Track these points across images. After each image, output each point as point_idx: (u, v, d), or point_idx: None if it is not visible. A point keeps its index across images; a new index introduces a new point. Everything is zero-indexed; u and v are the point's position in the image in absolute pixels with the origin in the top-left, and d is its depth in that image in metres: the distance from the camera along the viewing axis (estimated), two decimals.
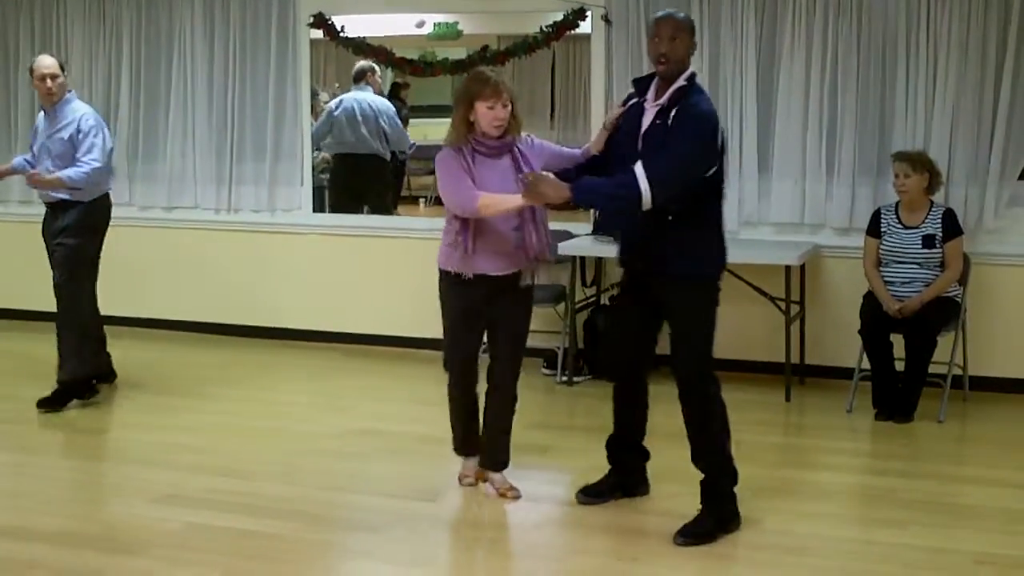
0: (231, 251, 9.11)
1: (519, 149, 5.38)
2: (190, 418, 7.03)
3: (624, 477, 5.54)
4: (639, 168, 4.84)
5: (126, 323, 9.07)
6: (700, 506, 5.15)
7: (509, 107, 5.28)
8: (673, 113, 4.97)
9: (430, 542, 5.15)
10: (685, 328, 5.12)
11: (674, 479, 5.49)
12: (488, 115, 5.24)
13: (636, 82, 5.32)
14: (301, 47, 8.79)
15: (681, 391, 5.13)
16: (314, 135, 9.13)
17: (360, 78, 9.49)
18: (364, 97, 9.46)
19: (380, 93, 9.68)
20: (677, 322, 5.13)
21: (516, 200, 5.12)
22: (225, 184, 9.06)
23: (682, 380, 5.11)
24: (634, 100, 5.23)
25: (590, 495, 5.49)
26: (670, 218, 4.98)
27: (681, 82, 5.04)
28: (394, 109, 9.60)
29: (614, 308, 5.83)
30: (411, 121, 10.23)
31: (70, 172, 6.99)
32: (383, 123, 9.46)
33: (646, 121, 5.07)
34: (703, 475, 5.17)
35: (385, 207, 9.63)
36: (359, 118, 9.42)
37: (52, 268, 7.17)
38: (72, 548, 5.02)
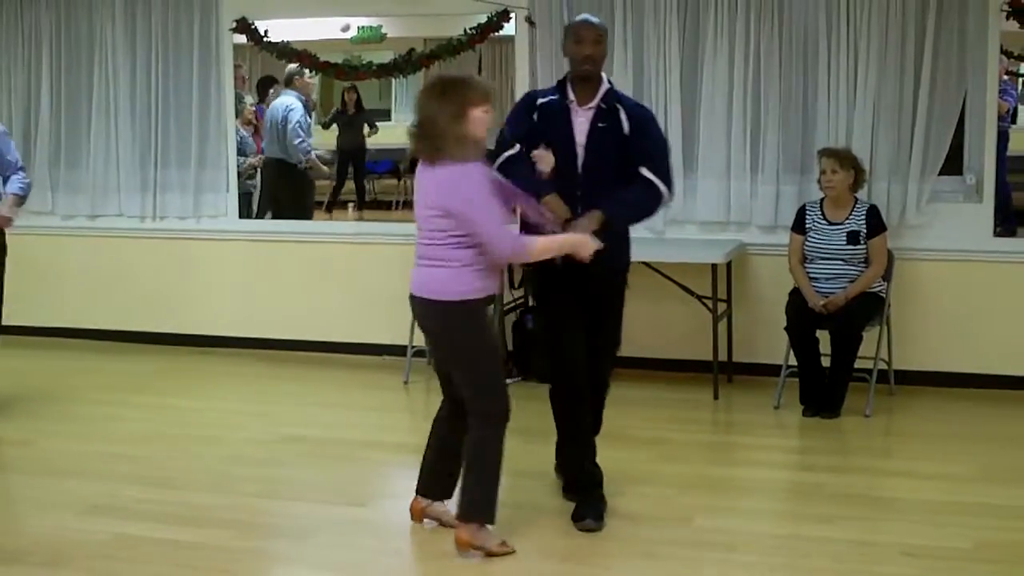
0: (157, 259, 9.03)
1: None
2: (117, 428, 6.95)
3: None
4: (646, 172, 5.15)
5: (51, 333, 8.99)
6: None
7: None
8: (624, 116, 5.22)
9: (361, 548, 5.13)
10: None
11: (630, 480, 5.51)
12: (484, 120, 4.72)
13: (559, 84, 5.39)
14: (224, 52, 8.72)
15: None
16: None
17: (288, 82, 9.47)
18: (280, 101, 9.45)
19: (306, 96, 9.65)
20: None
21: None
22: (150, 191, 8.96)
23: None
24: (548, 99, 5.33)
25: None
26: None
27: (607, 83, 5.31)
28: (299, 114, 9.53)
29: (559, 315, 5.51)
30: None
31: (19, 187, 6.92)
32: (284, 128, 9.43)
33: (582, 124, 5.23)
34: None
35: (297, 212, 9.55)
36: (269, 123, 9.43)
37: None
38: None
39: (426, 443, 5.23)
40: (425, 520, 5.24)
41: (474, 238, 4.69)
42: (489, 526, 4.92)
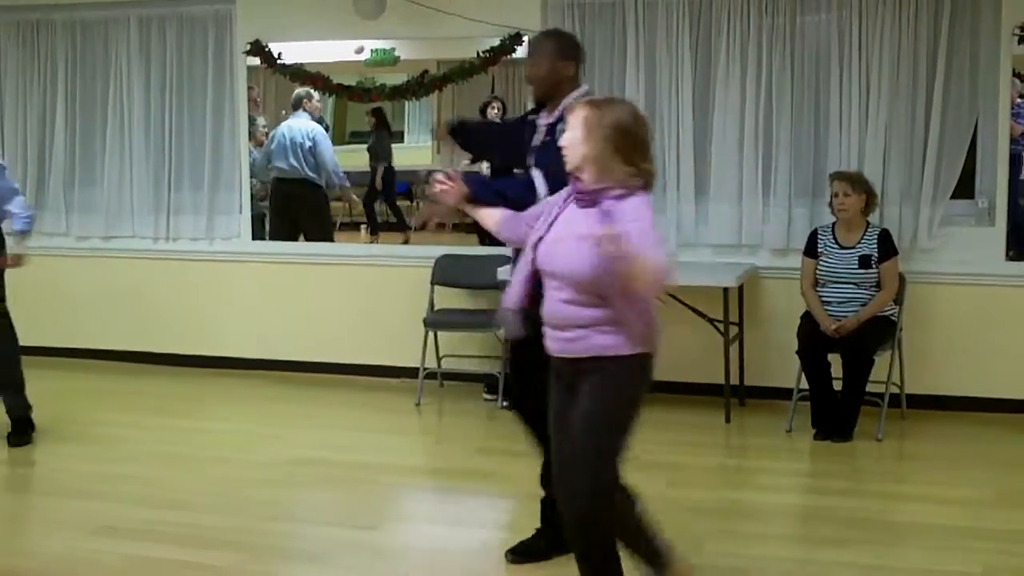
0: (170, 280, 9.04)
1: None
2: (129, 449, 6.96)
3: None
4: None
5: (64, 354, 9.00)
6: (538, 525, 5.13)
7: None
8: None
9: (373, 571, 5.12)
10: None
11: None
12: None
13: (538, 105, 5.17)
14: (238, 74, 8.76)
15: None
16: (254, 167, 9.08)
17: (297, 105, 9.46)
18: (298, 124, 9.43)
19: (320, 119, 9.65)
20: None
21: None
22: (163, 213, 8.99)
23: None
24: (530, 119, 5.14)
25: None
26: None
27: (569, 99, 4.93)
28: (325, 134, 9.53)
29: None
30: (345, 146, 10.32)
31: (24, 222, 6.82)
32: (313, 150, 9.40)
33: (536, 139, 5.00)
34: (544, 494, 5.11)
35: (322, 234, 9.52)
36: (289, 145, 9.40)
37: None
38: None
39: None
40: None
41: None
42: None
